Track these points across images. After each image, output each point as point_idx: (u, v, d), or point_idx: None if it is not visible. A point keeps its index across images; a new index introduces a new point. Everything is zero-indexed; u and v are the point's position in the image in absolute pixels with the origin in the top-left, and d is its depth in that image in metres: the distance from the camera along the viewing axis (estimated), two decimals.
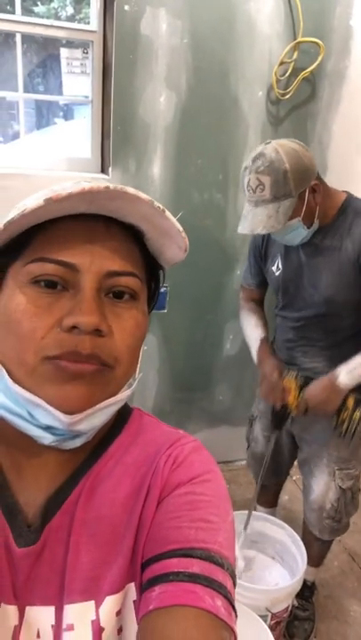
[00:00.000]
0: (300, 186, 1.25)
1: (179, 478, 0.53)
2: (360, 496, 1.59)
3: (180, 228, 0.49)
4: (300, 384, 1.43)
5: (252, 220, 1.28)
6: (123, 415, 0.60)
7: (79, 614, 0.48)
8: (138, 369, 0.53)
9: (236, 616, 0.45)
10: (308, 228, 1.32)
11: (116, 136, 1.79)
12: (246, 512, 1.65)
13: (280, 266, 1.45)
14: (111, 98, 1.74)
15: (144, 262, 0.53)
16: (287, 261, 1.44)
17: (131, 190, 0.44)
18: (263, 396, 1.51)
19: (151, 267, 0.55)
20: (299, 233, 1.32)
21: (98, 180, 0.44)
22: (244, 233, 1.31)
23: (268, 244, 1.51)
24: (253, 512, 1.67)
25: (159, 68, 1.76)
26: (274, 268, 1.48)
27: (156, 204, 0.46)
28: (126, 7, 1.65)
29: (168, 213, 0.47)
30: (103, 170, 1.90)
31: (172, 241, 0.51)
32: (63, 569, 0.49)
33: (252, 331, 1.59)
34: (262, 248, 1.53)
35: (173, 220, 0.48)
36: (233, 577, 0.47)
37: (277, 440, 1.62)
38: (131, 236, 0.50)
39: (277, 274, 1.46)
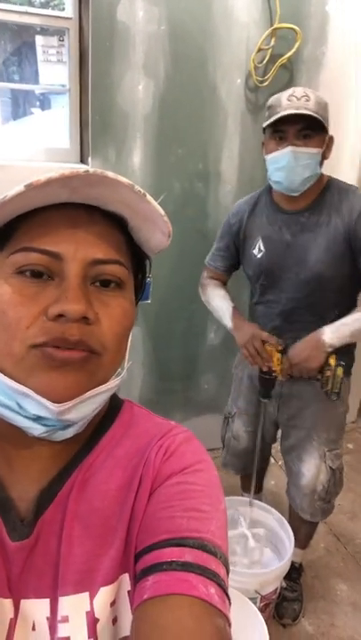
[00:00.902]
0: (327, 126, 1.30)
1: (170, 469, 0.53)
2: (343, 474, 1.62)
3: (162, 212, 0.48)
4: (281, 349, 1.42)
5: (296, 105, 1.25)
6: (114, 407, 0.60)
7: (74, 606, 0.48)
8: (127, 358, 0.53)
9: (230, 603, 0.46)
10: (317, 170, 1.33)
11: (94, 125, 1.76)
12: (234, 497, 1.68)
13: (262, 248, 1.44)
14: (89, 86, 1.72)
15: (130, 251, 0.53)
16: (270, 243, 1.42)
17: (110, 174, 0.44)
18: (249, 361, 1.47)
19: (137, 257, 0.55)
20: (313, 165, 1.30)
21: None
22: (289, 113, 1.24)
23: (247, 226, 1.48)
24: (241, 498, 1.70)
25: (137, 55, 1.74)
26: (255, 251, 1.45)
27: (137, 187, 0.46)
28: None
29: (149, 197, 0.47)
30: (83, 160, 1.88)
31: (156, 226, 0.51)
32: (57, 561, 0.49)
33: (221, 301, 1.56)
34: (240, 231, 1.50)
35: (155, 203, 0.48)
36: (226, 565, 0.48)
37: (265, 430, 1.64)
38: (115, 225, 0.50)
39: (259, 256, 1.44)
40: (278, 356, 1.41)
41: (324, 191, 1.37)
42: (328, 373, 1.36)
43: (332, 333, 1.33)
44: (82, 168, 0.43)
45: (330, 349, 1.33)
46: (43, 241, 0.46)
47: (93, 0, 1.62)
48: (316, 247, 1.36)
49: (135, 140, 1.84)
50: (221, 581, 0.45)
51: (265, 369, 1.44)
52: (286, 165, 1.29)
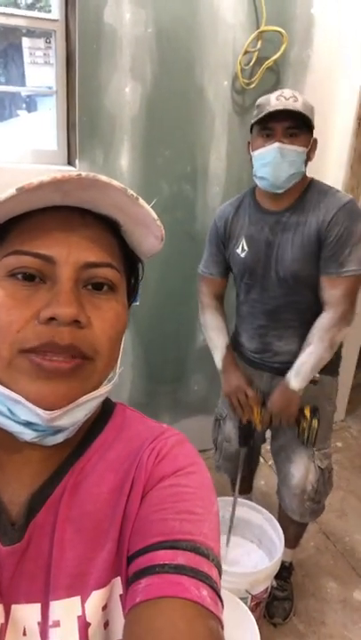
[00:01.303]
0: (313, 127, 1.35)
1: (163, 471, 0.53)
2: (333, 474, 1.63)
3: (155, 216, 0.49)
4: (260, 400, 1.50)
5: (284, 103, 1.29)
6: (106, 410, 0.60)
7: (65, 610, 0.48)
8: (119, 363, 0.53)
9: (223, 605, 0.46)
10: (302, 169, 1.36)
11: (82, 127, 1.76)
12: (225, 498, 1.69)
13: (245, 247, 1.46)
14: (76, 89, 1.71)
15: (122, 255, 0.53)
16: (253, 241, 1.44)
17: (103, 178, 0.44)
18: (231, 409, 1.56)
19: (130, 260, 0.55)
20: (298, 163, 1.34)
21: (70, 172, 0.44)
22: (277, 109, 1.28)
23: (231, 226, 1.51)
24: (231, 499, 1.70)
25: (124, 58, 1.74)
26: (238, 250, 1.47)
27: (130, 191, 0.46)
28: None
29: (142, 201, 0.47)
30: (70, 162, 1.88)
31: (148, 230, 0.51)
32: (48, 565, 0.49)
33: (217, 335, 1.60)
34: (225, 231, 1.52)
35: (148, 207, 0.48)
36: (218, 567, 0.48)
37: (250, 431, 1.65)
38: (107, 228, 0.50)
39: (243, 255, 1.46)
40: (258, 409, 1.49)
41: (306, 192, 1.40)
42: (304, 424, 1.44)
43: (295, 378, 1.41)
44: (74, 172, 0.43)
45: (300, 393, 1.41)
46: (35, 244, 0.46)
47: (80, 2, 1.62)
48: (293, 246, 1.38)
49: (123, 142, 1.84)
50: (214, 583, 0.45)
51: (245, 421, 1.52)
52: (272, 161, 1.32)
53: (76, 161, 1.80)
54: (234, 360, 1.57)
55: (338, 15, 2.02)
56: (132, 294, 0.57)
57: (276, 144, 1.30)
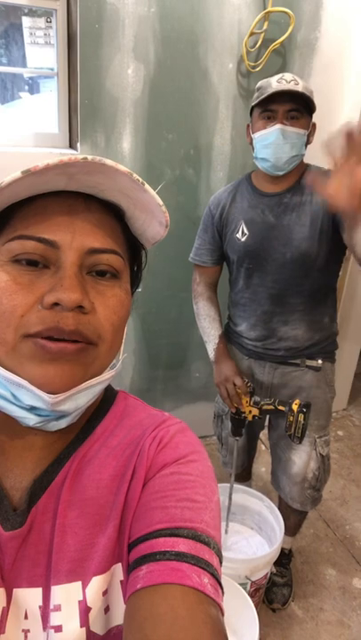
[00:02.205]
0: (314, 110, 1.34)
1: (164, 459, 0.53)
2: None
3: (161, 202, 0.48)
4: (250, 390, 1.49)
5: (286, 86, 1.27)
6: (108, 398, 0.60)
7: (66, 595, 0.49)
8: (122, 350, 0.53)
9: (223, 593, 0.46)
10: (302, 151, 1.35)
11: (83, 110, 1.73)
12: (223, 485, 1.69)
13: (245, 231, 1.44)
14: (77, 70, 1.68)
15: (126, 242, 0.52)
16: (253, 225, 1.43)
17: (109, 162, 0.43)
18: (223, 400, 1.54)
19: (133, 247, 0.55)
20: (299, 145, 1.33)
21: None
22: (279, 90, 1.26)
23: (228, 212, 1.49)
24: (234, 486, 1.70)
25: (126, 38, 1.70)
26: (238, 235, 1.46)
27: (135, 176, 0.45)
28: None
29: (147, 186, 0.46)
30: (71, 145, 1.85)
31: (153, 216, 0.50)
32: (50, 551, 0.50)
33: (210, 325, 1.59)
34: (221, 218, 1.51)
35: (153, 193, 0.47)
36: (219, 555, 0.48)
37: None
38: (112, 214, 0.50)
39: (243, 239, 1.45)
40: (247, 398, 1.48)
41: (304, 174, 1.40)
42: (291, 419, 1.42)
43: None
44: (80, 155, 0.43)
45: None
46: (39, 229, 0.45)
47: None
48: (300, 226, 1.37)
49: (125, 125, 1.81)
50: (214, 571, 0.46)
51: (234, 410, 1.51)
52: (274, 142, 1.32)
53: (78, 144, 1.77)
54: (226, 351, 1.56)
55: None
56: (135, 281, 0.57)
57: (278, 125, 1.30)
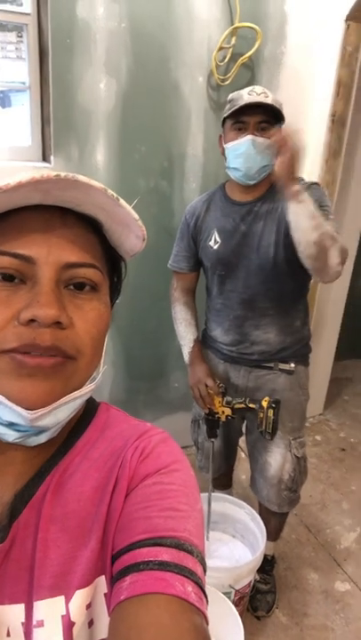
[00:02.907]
0: (283, 123, 1.38)
1: (147, 469, 0.53)
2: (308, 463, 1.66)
3: (137, 217, 0.48)
4: (221, 391, 1.52)
5: (256, 98, 1.32)
6: (89, 410, 0.60)
7: (49, 610, 0.48)
8: (102, 362, 0.53)
9: (208, 601, 0.46)
10: (272, 162, 1.35)
11: (56, 123, 1.74)
12: (204, 494, 1.69)
13: (218, 239, 1.48)
14: (49, 84, 1.69)
15: (105, 254, 0.52)
16: (225, 233, 1.47)
17: (82, 178, 0.43)
18: (196, 401, 1.57)
19: (112, 259, 0.55)
20: (270, 156, 1.36)
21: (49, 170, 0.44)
22: (249, 102, 1.31)
23: (203, 221, 1.53)
24: (213, 494, 1.71)
25: (98, 52, 1.72)
26: (211, 243, 1.49)
27: (110, 192, 0.45)
28: None
29: (123, 202, 0.47)
30: (45, 158, 1.85)
31: (130, 230, 0.51)
32: (32, 566, 0.49)
33: (186, 329, 1.62)
34: (196, 226, 1.54)
35: (129, 208, 0.48)
36: (203, 563, 0.48)
37: (229, 423, 1.66)
38: (89, 227, 0.50)
39: (216, 247, 1.48)
40: (219, 399, 1.52)
41: (274, 183, 1.43)
42: (261, 415, 1.46)
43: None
44: (53, 172, 0.43)
45: (301, 191, 1.25)
46: (15, 244, 0.45)
47: None
48: (267, 232, 1.41)
49: (98, 137, 1.82)
50: (198, 579, 0.45)
51: (206, 411, 1.54)
52: (245, 152, 1.35)
53: (51, 157, 1.77)
54: (200, 354, 1.60)
55: (310, 12, 2.04)
56: (115, 293, 0.57)
57: (249, 136, 1.34)
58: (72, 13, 1.64)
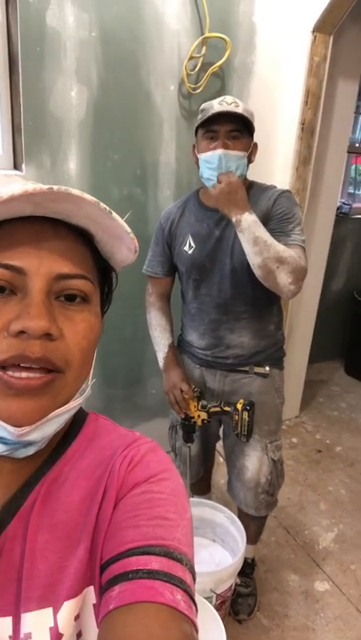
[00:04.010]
0: (253, 131, 1.41)
1: (135, 478, 0.53)
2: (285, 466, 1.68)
3: (129, 230, 0.49)
4: (196, 395, 1.54)
5: (226, 107, 1.34)
6: (78, 420, 0.60)
7: (37, 622, 0.47)
8: (91, 374, 0.53)
9: (197, 609, 0.46)
10: (244, 172, 1.41)
11: (27, 131, 1.73)
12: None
13: (192, 244, 1.50)
14: (20, 92, 1.68)
15: (95, 265, 0.53)
16: (199, 238, 1.49)
17: (75, 191, 0.44)
18: (172, 406, 1.58)
19: (103, 269, 0.55)
20: (241, 167, 1.39)
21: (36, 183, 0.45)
22: (220, 111, 1.33)
23: (177, 226, 1.55)
24: (191, 499, 1.71)
25: (68, 61, 1.72)
26: (186, 248, 1.51)
27: (103, 205, 0.46)
28: None
29: (115, 215, 0.47)
30: (16, 166, 1.84)
31: (122, 242, 0.51)
32: (20, 577, 0.48)
33: (161, 334, 1.63)
34: (171, 231, 1.56)
35: (121, 221, 0.48)
36: (192, 572, 0.48)
37: (206, 427, 1.67)
38: (80, 239, 0.50)
39: (190, 252, 1.50)
40: (195, 403, 1.53)
41: (247, 190, 1.46)
42: (236, 417, 1.48)
43: (251, 212, 1.32)
44: (45, 185, 0.43)
45: (244, 211, 1.31)
46: (6, 255, 0.45)
47: (21, 4, 1.59)
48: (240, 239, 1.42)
49: (70, 145, 1.82)
50: (188, 588, 0.46)
51: (182, 416, 1.56)
52: (217, 165, 1.37)
53: (23, 165, 1.76)
54: (175, 359, 1.61)
55: (278, 23, 2.09)
56: (105, 303, 0.57)
57: (220, 150, 1.35)
58: (42, 22, 1.64)
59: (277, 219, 1.38)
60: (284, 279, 1.31)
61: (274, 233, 1.35)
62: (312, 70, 2.10)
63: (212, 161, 1.37)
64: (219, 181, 1.33)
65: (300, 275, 1.33)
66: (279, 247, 1.30)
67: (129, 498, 0.52)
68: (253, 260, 1.31)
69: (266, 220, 1.39)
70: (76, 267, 0.48)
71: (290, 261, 1.31)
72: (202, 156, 1.41)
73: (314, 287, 2.74)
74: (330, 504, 2.32)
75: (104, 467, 0.55)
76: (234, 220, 1.31)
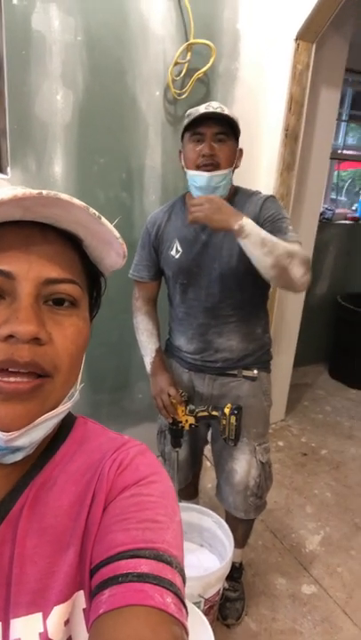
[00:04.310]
0: (239, 136, 1.41)
1: (125, 481, 0.53)
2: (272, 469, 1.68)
3: (118, 235, 0.49)
4: (184, 400, 1.53)
5: (212, 111, 1.35)
6: (67, 424, 0.59)
7: (26, 627, 0.47)
8: (79, 379, 0.53)
9: (187, 612, 0.46)
10: (229, 184, 1.43)
11: (12, 135, 1.72)
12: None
13: (179, 248, 1.50)
14: (5, 95, 1.67)
15: (84, 270, 0.53)
16: (186, 243, 1.49)
17: (64, 196, 0.44)
18: (160, 411, 1.57)
19: (92, 274, 0.55)
20: (227, 181, 1.41)
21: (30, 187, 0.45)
22: (206, 112, 1.34)
23: (164, 230, 1.55)
24: (180, 504, 1.70)
25: (54, 65, 1.72)
26: (172, 253, 1.51)
27: (92, 210, 0.46)
28: (15, 1, 1.60)
29: (104, 220, 0.47)
30: (1, 169, 1.82)
31: (111, 247, 0.51)
32: (8, 582, 0.48)
33: (148, 339, 1.62)
34: (157, 236, 1.56)
35: (110, 226, 0.48)
36: (182, 574, 0.48)
37: (195, 432, 1.67)
38: (69, 243, 0.50)
39: (177, 257, 1.50)
40: (182, 408, 1.53)
41: (234, 196, 1.48)
42: (223, 422, 1.47)
43: (248, 220, 1.29)
44: (35, 190, 0.43)
45: (239, 223, 1.27)
46: None
47: (6, 7, 1.58)
48: (228, 242, 1.44)
49: (56, 149, 1.81)
50: (178, 590, 0.45)
51: (170, 420, 1.55)
52: (205, 186, 1.40)
53: (8, 168, 1.75)
54: (162, 364, 1.60)
55: (262, 31, 2.12)
56: (94, 307, 0.58)
57: (206, 174, 1.37)
58: (27, 26, 1.63)
59: (270, 221, 1.39)
60: (297, 272, 1.28)
61: (272, 234, 1.35)
62: (295, 77, 2.13)
63: (199, 182, 1.40)
64: (196, 204, 1.29)
65: (308, 265, 1.32)
66: (283, 242, 1.29)
67: (118, 501, 0.51)
68: (265, 261, 1.27)
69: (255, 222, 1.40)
70: (64, 271, 0.48)
71: (298, 253, 1.29)
72: (189, 175, 1.43)
73: None
74: (316, 507, 2.33)
75: (93, 470, 0.54)
76: (236, 227, 1.26)
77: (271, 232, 1.35)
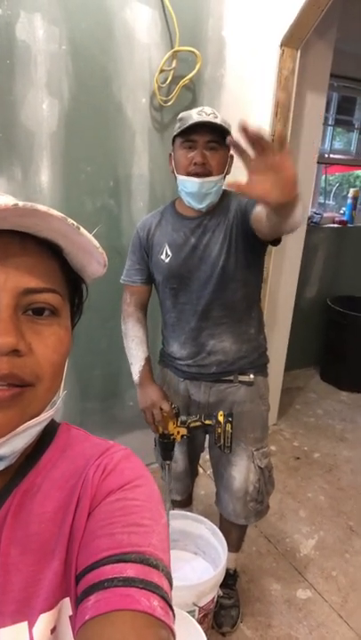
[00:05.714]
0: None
1: (109, 486, 0.53)
2: (273, 474, 1.67)
3: (97, 244, 0.49)
4: (175, 412, 1.51)
5: (205, 118, 1.35)
6: (50, 431, 0.59)
7: (12, 637, 0.46)
8: (62, 386, 0.53)
9: (175, 616, 0.46)
10: (220, 191, 1.44)
11: None
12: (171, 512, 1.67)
13: (169, 252, 1.50)
14: None
15: (65, 278, 0.52)
16: (176, 247, 1.49)
17: (41, 207, 0.43)
18: (149, 425, 1.55)
19: (73, 281, 0.54)
20: (217, 188, 1.42)
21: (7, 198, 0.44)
22: (199, 121, 1.34)
23: (154, 235, 1.55)
24: (172, 512, 1.70)
25: (39, 74, 1.71)
26: (162, 257, 1.52)
27: (70, 220, 0.46)
28: None
29: (83, 230, 0.47)
30: None
31: (91, 256, 0.51)
32: None
33: (137, 347, 1.60)
34: (148, 240, 1.57)
35: (89, 236, 0.48)
36: (169, 578, 0.48)
37: (193, 440, 1.66)
38: (49, 252, 0.50)
39: (167, 261, 1.51)
40: (173, 421, 1.50)
41: (222, 198, 1.49)
42: (219, 430, 1.46)
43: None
44: (11, 201, 0.43)
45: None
46: None
47: None
48: (216, 244, 1.45)
49: (42, 158, 1.81)
50: (164, 593, 0.45)
51: (160, 434, 1.53)
52: (196, 192, 1.41)
53: None
54: (150, 374, 1.58)
55: (247, 38, 2.13)
56: (75, 315, 0.57)
57: (198, 181, 1.38)
58: (11, 35, 1.63)
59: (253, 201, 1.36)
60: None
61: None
62: (281, 83, 2.15)
63: (190, 188, 1.41)
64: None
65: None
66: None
67: (103, 506, 0.51)
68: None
69: (241, 219, 1.42)
70: (43, 281, 0.48)
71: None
72: (179, 180, 1.43)
73: (288, 295, 2.77)
74: (309, 511, 2.33)
75: (77, 476, 0.54)
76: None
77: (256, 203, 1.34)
